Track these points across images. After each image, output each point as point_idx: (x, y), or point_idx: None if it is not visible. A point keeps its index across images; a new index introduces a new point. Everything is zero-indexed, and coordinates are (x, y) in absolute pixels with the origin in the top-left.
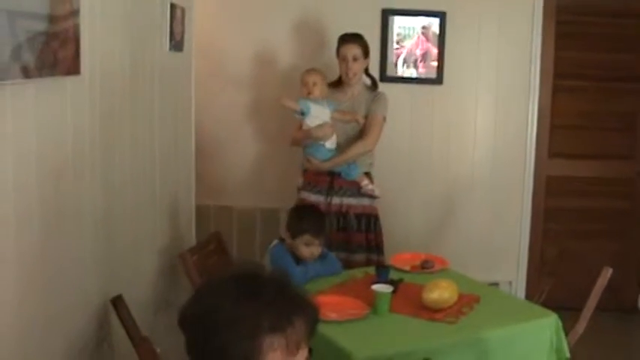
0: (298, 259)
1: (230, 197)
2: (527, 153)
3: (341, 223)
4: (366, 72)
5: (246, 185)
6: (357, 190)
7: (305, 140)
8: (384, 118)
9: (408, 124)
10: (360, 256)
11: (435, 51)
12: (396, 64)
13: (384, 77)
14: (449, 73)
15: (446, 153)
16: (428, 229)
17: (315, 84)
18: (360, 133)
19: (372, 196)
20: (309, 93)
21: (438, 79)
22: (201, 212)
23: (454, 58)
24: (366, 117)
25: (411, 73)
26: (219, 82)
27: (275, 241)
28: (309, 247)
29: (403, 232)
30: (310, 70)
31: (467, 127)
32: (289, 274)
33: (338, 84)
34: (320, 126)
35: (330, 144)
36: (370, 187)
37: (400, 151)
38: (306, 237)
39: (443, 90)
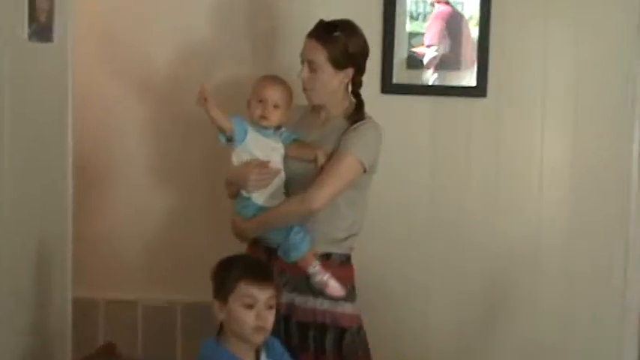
0: None
1: (131, 284)
2: (632, 206)
3: (281, 332)
4: (354, 91)
5: (157, 264)
6: (306, 281)
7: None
8: (361, 164)
9: (427, 158)
10: None
11: (473, 46)
12: (408, 65)
13: (388, 86)
14: (497, 80)
15: (492, 204)
16: (459, 335)
17: (276, 107)
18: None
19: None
20: (262, 117)
21: (480, 89)
22: (83, 309)
23: (506, 58)
24: (331, 155)
25: (433, 79)
26: (115, 91)
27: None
28: (255, 310)
29: (415, 339)
30: (272, 82)
31: (526, 164)
32: None
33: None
34: (243, 165)
35: (262, 196)
36: (324, 277)
37: (414, 202)
38: (243, 288)
39: (487, 106)
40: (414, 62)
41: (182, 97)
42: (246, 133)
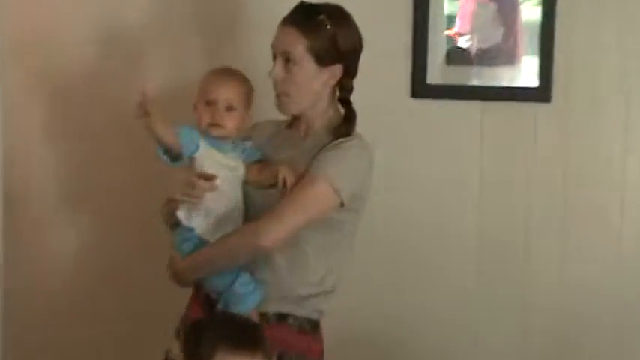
0: None
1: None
2: None
3: None
4: (343, 98)
5: (113, 331)
6: None
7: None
8: (337, 194)
9: (474, 183)
10: None
11: (533, 33)
12: (448, 60)
13: (421, 88)
14: (565, 79)
15: (559, 243)
16: None
17: (230, 108)
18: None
19: None
20: (212, 124)
21: (542, 91)
22: None
23: (576, 49)
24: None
25: (479, 78)
26: (43, 105)
27: None
28: None
29: None
30: (222, 76)
31: (604, 191)
32: None
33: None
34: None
35: (205, 226)
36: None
37: (459, 236)
38: (220, 356)
39: (552, 113)
40: (456, 56)
41: (116, 103)
42: (197, 146)
